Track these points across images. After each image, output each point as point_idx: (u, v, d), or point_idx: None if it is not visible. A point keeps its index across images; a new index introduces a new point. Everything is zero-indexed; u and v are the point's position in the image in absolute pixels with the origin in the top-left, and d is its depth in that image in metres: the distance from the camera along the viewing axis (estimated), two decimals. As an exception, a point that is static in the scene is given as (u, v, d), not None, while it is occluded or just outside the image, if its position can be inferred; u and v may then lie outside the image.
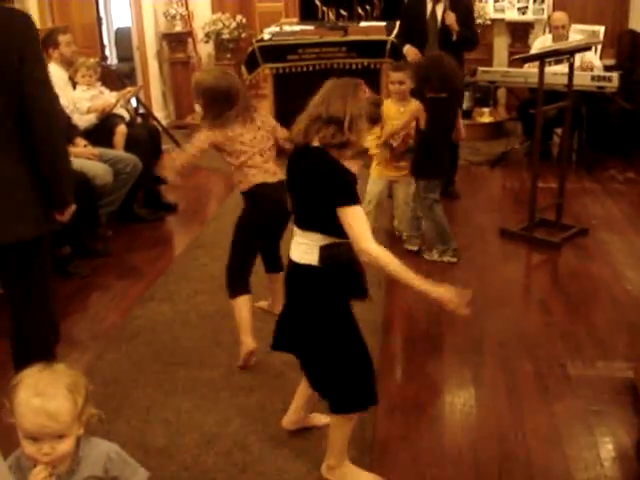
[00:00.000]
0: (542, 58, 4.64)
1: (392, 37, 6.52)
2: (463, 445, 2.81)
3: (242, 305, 3.36)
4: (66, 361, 3.45)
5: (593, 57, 6.49)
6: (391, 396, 3.11)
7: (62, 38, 5.26)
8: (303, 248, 2.41)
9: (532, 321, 3.79)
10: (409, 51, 5.65)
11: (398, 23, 6.20)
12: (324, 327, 2.44)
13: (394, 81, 4.58)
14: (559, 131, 6.64)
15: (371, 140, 4.40)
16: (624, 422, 2.93)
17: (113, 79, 6.37)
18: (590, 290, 4.16)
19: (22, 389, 1.73)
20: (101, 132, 5.23)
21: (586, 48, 5.38)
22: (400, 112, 4.56)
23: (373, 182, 4.76)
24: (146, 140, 5.51)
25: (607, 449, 2.77)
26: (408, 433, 2.87)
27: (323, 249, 2.36)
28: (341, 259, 2.39)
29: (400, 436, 2.86)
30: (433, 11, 5.56)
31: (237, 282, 3.39)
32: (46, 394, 1.71)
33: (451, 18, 5.44)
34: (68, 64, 5.32)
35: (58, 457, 1.76)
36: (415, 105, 4.46)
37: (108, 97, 5.41)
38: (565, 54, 4.86)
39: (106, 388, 3.23)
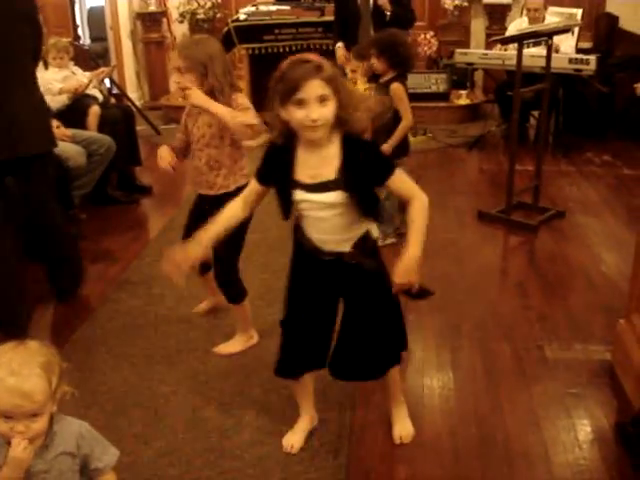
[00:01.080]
0: (521, 40, 4.61)
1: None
2: (442, 428, 2.80)
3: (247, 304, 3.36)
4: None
5: (567, 41, 6.48)
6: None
7: None
8: None
9: (509, 304, 3.79)
10: (338, 50, 5.59)
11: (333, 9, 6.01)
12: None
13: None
14: (536, 114, 6.66)
15: None
16: (602, 404, 2.94)
17: (86, 59, 6.27)
18: (567, 273, 4.17)
19: None
20: (74, 113, 5.15)
21: (564, 30, 5.36)
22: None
23: None
24: (120, 121, 5.44)
25: (585, 431, 2.77)
26: (386, 417, 2.85)
27: None
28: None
29: (378, 420, 2.84)
30: None
31: (241, 286, 3.32)
32: (21, 374, 1.71)
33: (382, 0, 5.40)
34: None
35: (32, 435, 1.76)
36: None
37: (81, 77, 5.33)
38: (543, 36, 4.84)
39: (81, 373, 3.18)
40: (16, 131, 3.33)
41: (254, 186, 2.37)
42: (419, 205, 2.27)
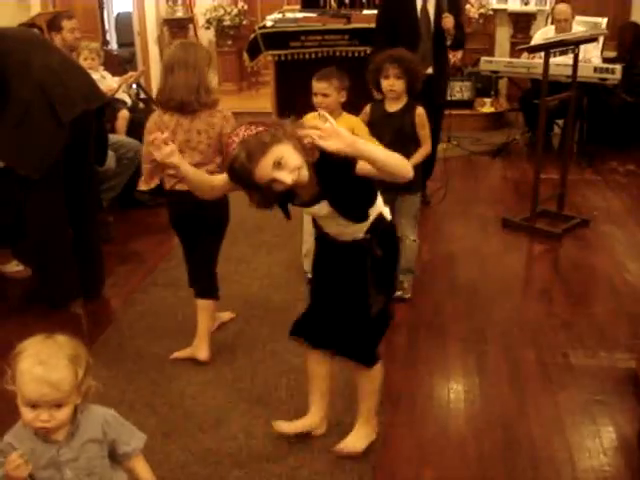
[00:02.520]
0: (547, 49, 4.63)
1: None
2: (467, 432, 2.83)
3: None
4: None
5: (593, 51, 6.48)
6: (396, 384, 3.12)
7: (66, 23, 5.24)
8: None
9: (534, 311, 3.80)
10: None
11: (376, 24, 5.29)
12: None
13: (316, 92, 3.64)
14: (560, 123, 6.67)
15: None
16: (626, 412, 2.95)
17: (115, 64, 6.36)
18: (591, 280, 4.18)
19: (24, 358, 1.78)
20: (103, 117, 5.21)
21: (591, 39, 5.37)
22: None
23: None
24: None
25: (610, 438, 2.79)
26: (413, 420, 2.88)
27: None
28: None
29: (405, 423, 2.88)
30: (424, 8, 4.91)
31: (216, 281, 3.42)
32: (48, 364, 1.76)
33: (451, 21, 4.84)
34: (70, 50, 5.29)
35: (56, 425, 1.81)
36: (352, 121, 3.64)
37: (110, 82, 5.39)
38: (570, 45, 4.85)
39: (109, 372, 3.24)
40: (74, 92, 3.62)
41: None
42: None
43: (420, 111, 3.74)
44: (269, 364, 3.30)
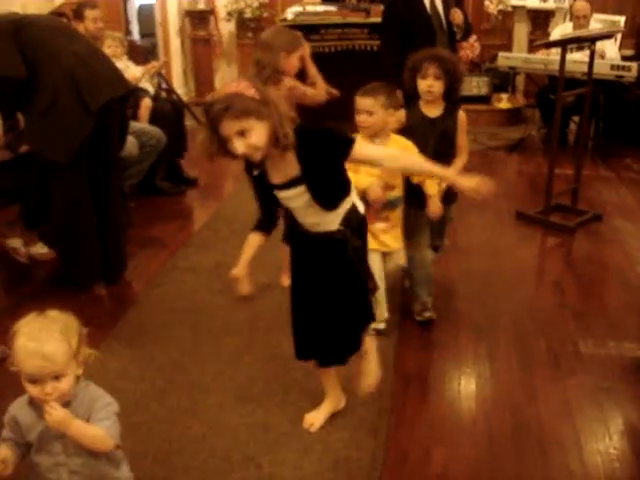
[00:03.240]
0: (564, 45, 4.70)
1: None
2: (477, 415, 2.92)
3: None
4: (93, 324, 3.61)
5: (610, 47, 6.52)
6: (408, 366, 3.23)
7: (89, 13, 5.34)
8: None
9: (546, 301, 3.88)
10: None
11: (384, 23, 5.05)
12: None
13: (359, 110, 3.18)
14: (576, 119, 6.72)
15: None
16: (633, 399, 3.02)
17: (138, 54, 6.47)
18: (603, 273, 4.25)
19: (19, 337, 1.87)
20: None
21: (607, 36, 5.43)
22: None
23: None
24: (170, 114, 5.61)
25: (616, 423, 2.86)
26: (424, 401, 2.98)
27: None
28: None
29: (417, 404, 2.97)
30: (433, 6, 4.81)
31: None
32: (40, 338, 1.85)
33: (460, 17, 4.85)
34: (93, 40, 5.38)
35: (61, 395, 1.90)
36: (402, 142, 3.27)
37: (134, 71, 5.50)
38: (586, 41, 4.91)
39: (133, 350, 3.35)
40: (101, 80, 3.76)
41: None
42: (392, 160, 2.48)
43: (463, 116, 3.48)
44: (285, 346, 3.39)
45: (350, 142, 2.34)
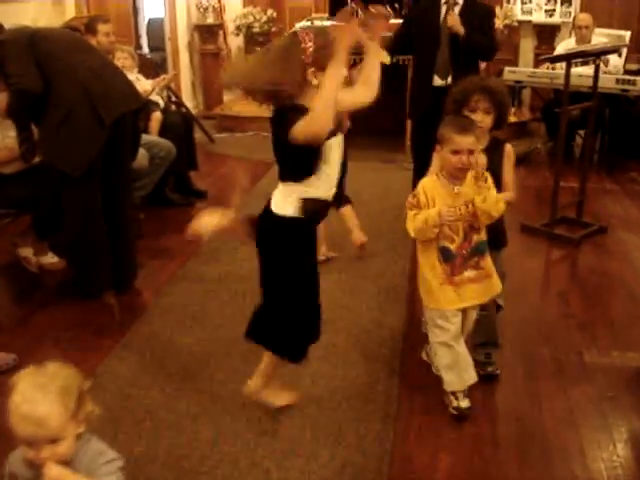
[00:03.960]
0: (569, 59, 4.76)
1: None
2: (482, 422, 2.95)
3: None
4: (103, 332, 3.67)
5: (615, 62, 6.57)
6: (414, 374, 3.27)
7: (101, 27, 5.41)
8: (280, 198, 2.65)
9: (551, 312, 3.92)
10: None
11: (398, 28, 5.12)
12: (285, 272, 2.72)
13: (460, 150, 2.77)
14: (582, 133, 6.76)
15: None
16: (637, 408, 3.06)
17: (149, 67, 6.54)
18: (607, 285, 4.29)
19: (15, 393, 1.72)
20: (137, 118, 5.40)
21: (611, 50, 5.49)
22: (454, 194, 2.86)
23: (446, 319, 2.93)
24: (179, 127, 5.68)
25: (620, 431, 2.90)
26: (429, 408, 3.01)
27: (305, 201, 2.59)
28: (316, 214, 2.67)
29: (422, 411, 3.01)
30: (444, 18, 4.81)
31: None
32: (35, 400, 1.70)
33: (453, 19, 4.71)
34: (106, 53, 5.46)
35: (59, 459, 1.74)
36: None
37: (145, 84, 5.57)
38: (591, 56, 4.97)
39: (142, 358, 3.40)
40: (115, 94, 3.86)
41: None
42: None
43: (510, 150, 3.18)
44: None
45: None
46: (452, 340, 2.90)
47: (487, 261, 2.95)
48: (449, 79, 4.81)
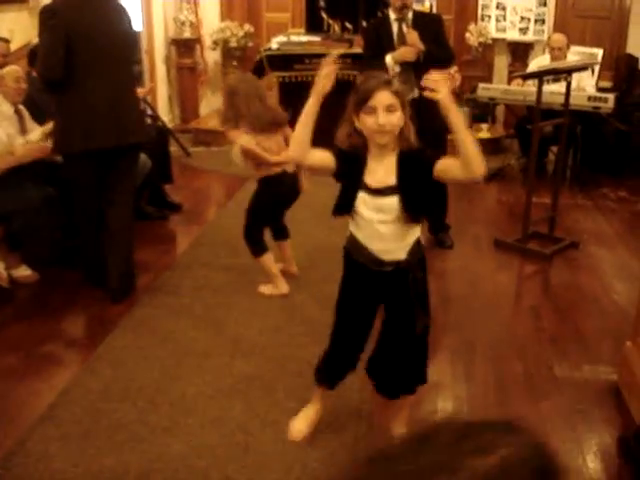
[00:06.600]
0: (541, 76, 4.82)
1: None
2: (453, 435, 2.96)
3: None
4: (75, 344, 3.65)
5: (587, 80, 6.65)
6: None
7: None
8: None
9: (522, 326, 3.96)
10: (406, 50, 4.75)
11: (363, 43, 5.37)
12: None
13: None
14: (555, 149, 6.85)
15: None
16: (606, 421, 3.09)
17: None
18: (579, 299, 4.33)
19: None
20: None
21: (583, 68, 5.57)
22: None
23: None
24: (155, 140, 5.67)
25: (589, 444, 2.93)
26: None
27: None
28: None
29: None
30: (400, 31, 4.83)
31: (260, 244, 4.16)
32: None
33: (413, 37, 4.70)
34: None
35: None
36: None
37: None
38: (563, 73, 5.04)
39: (115, 371, 3.38)
40: (124, 123, 4.07)
41: (329, 156, 2.52)
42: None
43: None
44: (268, 367, 3.44)
45: (439, 155, 2.45)
46: None
47: None
48: (415, 92, 4.82)
